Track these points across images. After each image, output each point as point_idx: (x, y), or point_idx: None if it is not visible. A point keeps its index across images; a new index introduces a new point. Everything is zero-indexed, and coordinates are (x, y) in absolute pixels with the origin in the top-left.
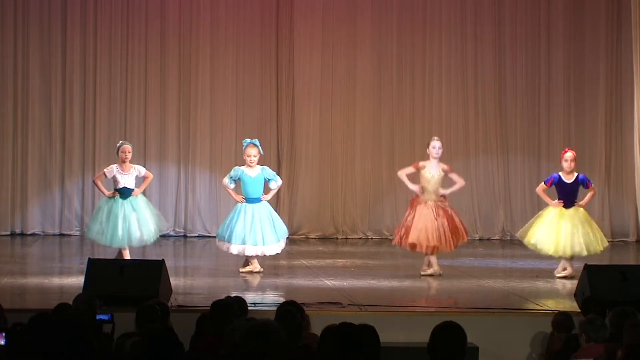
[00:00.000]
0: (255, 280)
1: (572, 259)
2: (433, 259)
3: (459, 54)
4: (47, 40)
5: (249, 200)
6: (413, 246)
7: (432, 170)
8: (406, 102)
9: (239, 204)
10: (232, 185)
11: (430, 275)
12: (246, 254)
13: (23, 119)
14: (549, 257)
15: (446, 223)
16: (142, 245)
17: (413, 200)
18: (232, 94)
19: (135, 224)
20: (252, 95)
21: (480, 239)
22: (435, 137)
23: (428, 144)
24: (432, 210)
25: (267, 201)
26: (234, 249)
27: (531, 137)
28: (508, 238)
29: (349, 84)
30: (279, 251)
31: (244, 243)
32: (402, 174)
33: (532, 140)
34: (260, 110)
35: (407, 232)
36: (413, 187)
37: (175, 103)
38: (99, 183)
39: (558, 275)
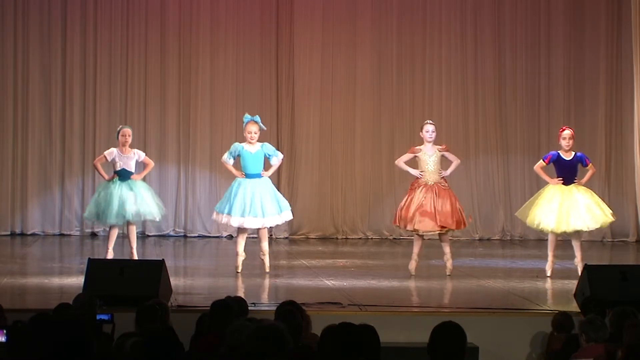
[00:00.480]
0: (256, 280)
1: (580, 243)
2: (447, 248)
3: (459, 54)
4: (47, 40)
5: (248, 175)
6: (412, 226)
7: (428, 152)
8: (406, 102)
9: (238, 179)
10: (231, 162)
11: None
12: (246, 226)
13: (23, 119)
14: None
15: (447, 204)
16: (141, 220)
17: (413, 183)
18: (232, 94)
19: (132, 200)
20: (252, 95)
21: (480, 239)
22: (429, 121)
23: (421, 128)
24: (434, 191)
25: (269, 177)
26: (234, 221)
27: (531, 137)
28: (508, 238)
29: (349, 84)
30: (280, 222)
31: (243, 215)
32: (400, 162)
33: (532, 140)
34: (260, 111)
35: (407, 213)
36: (414, 172)
37: (175, 103)
38: (99, 166)
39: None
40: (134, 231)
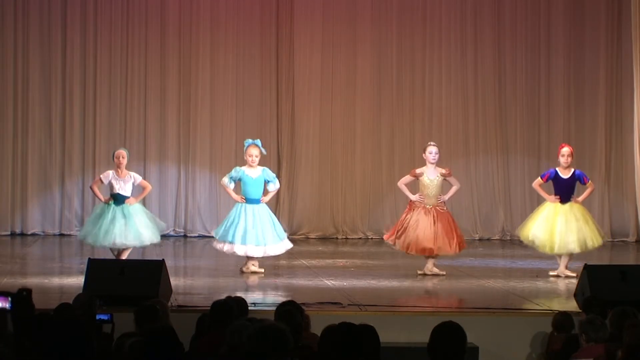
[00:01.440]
0: (255, 280)
1: (570, 257)
2: (430, 264)
3: (459, 54)
4: (47, 40)
5: (249, 200)
6: (405, 247)
7: (430, 176)
8: (406, 102)
9: (239, 205)
10: (232, 185)
11: (431, 274)
12: (249, 254)
13: (23, 119)
14: (550, 257)
15: (441, 228)
16: (125, 247)
17: (412, 203)
18: (232, 94)
19: (122, 228)
20: (252, 95)
21: (480, 239)
22: (432, 143)
23: (424, 150)
24: (431, 215)
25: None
26: (238, 249)
27: (531, 137)
28: (508, 238)
29: (349, 84)
30: (282, 251)
31: (244, 243)
32: (402, 184)
33: (532, 140)
34: (260, 110)
35: (403, 233)
36: (414, 197)
37: (175, 103)
38: (96, 189)
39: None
40: (125, 255)
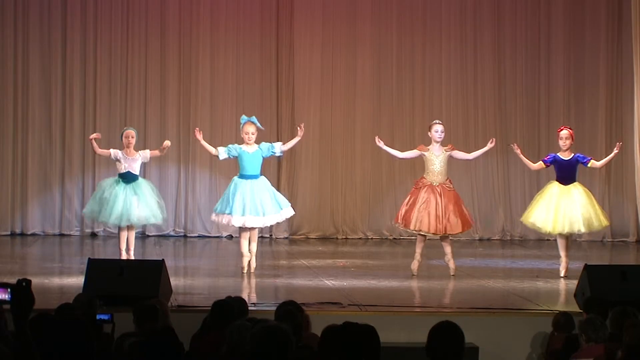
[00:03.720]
0: (256, 280)
1: (568, 239)
2: (447, 248)
3: (459, 54)
4: (47, 40)
5: (246, 176)
6: (415, 225)
7: (436, 152)
8: (406, 102)
9: (235, 179)
10: (223, 156)
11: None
12: (247, 225)
13: (23, 119)
14: (550, 257)
15: (450, 206)
16: (142, 223)
17: (417, 182)
18: (232, 94)
19: (135, 204)
20: (252, 95)
21: (480, 239)
22: (438, 120)
23: (430, 127)
24: (438, 193)
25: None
26: (236, 220)
27: (531, 137)
28: (508, 238)
29: (349, 84)
30: (281, 220)
31: (243, 214)
32: (396, 151)
33: (532, 140)
34: (260, 110)
35: (410, 212)
36: (394, 152)
37: (175, 103)
38: (95, 144)
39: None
40: (133, 234)
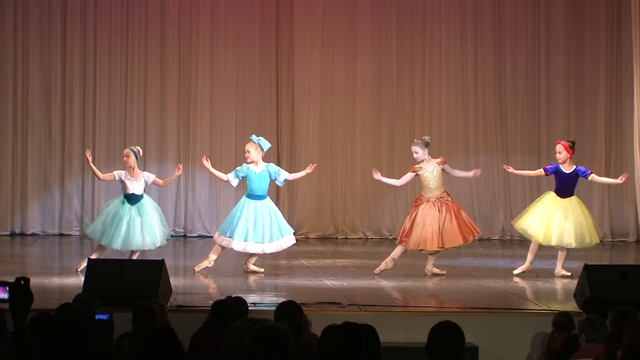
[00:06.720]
0: (255, 280)
1: (566, 254)
2: (430, 265)
3: (458, 53)
4: (47, 40)
5: (253, 196)
6: (416, 245)
7: (429, 168)
8: (406, 102)
9: (243, 199)
10: (236, 183)
11: (437, 274)
12: (247, 251)
13: (23, 119)
14: (550, 257)
15: (450, 219)
16: (142, 249)
17: (416, 200)
18: (232, 94)
19: (139, 229)
20: (252, 95)
21: (480, 239)
22: (414, 140)
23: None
24: (436, 208)
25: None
26: (236, 245)
27: (531, 137)
28: (508, 238)
29: (349, 84)
30: (279, 250)
31: (245, 240)
32: (401, 181)
33: (532, 140)
34: (260, 110)
35: (410, 231)
36: (391, 181)
37: (175, 103)
38: (94, 167)
39: (558, 274)
40: (135, 256)
